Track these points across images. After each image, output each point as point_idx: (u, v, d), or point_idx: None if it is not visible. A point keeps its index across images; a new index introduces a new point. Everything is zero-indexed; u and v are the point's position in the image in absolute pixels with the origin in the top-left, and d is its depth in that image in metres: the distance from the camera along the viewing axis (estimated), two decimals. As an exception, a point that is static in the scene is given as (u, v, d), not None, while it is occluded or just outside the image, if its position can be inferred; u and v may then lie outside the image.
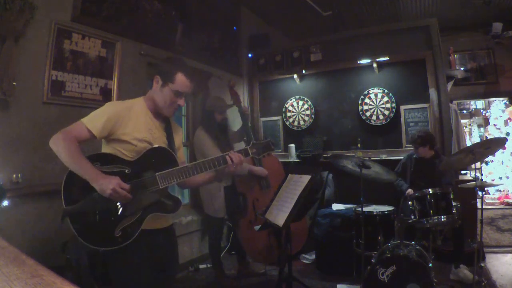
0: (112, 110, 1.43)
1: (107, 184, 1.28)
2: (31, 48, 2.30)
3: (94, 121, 1.39)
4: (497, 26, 5.36)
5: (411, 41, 4.01)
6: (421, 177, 3.07)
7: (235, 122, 3.50)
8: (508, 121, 6.34)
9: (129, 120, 1.45)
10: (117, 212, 1.35)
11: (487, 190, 6.12)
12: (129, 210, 1.36)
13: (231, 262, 3.49)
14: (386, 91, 4.08)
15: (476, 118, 7.51)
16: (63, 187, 1.32)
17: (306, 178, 2.06)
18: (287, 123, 4.70)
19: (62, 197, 1.30)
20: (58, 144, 1.33)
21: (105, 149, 1.48)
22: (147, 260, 1.44)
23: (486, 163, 6.32)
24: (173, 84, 1.50)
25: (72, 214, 1.29)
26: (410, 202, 2.61)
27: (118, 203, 1.35)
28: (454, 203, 2.50)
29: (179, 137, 1.70)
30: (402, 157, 3.42)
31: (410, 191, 2.98)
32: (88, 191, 1.31)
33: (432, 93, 3.83)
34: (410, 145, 3.78)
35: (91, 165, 1.32)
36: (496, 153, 5.89)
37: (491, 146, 2.39)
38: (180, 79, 1.51)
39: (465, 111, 7.46)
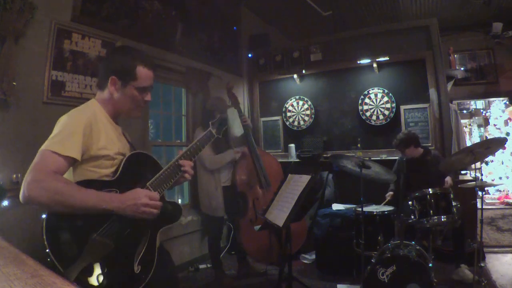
0: (82, 122, 1.16)
1: (136, 201, 1.10)
2: (31, 48, 2.30)
3: (69, 144, 1.11)
4: (497, 26, 5.36)
5: (411, 41, 4.01)
6: (415, 177, 3.08)
7: (235, 123, 3.50)
8: (508, 121, 6.34)
9: (100, 130, 1.22)
10: (129, 244, 1.13)
11: (487, 190, 6.12)
12: (139, 236, 1.17)
13: (231, 262, 3.49)
14: (386, 91, 4.08)
15: (476, 118, 7.51)
16: (50, 247, 1.00)
17: (306, 178, 2.06)
18: (287, 123, 4.70)
19: (54, 260, 0.99)
20: (42, 192, 1.01)
21: (76, 174, 1.18)
22: (156, 281, 1.29)
23: (486, 163, 6.32)
24: (136, 81, 1.27)
25: (76, 274, 0.99)
26: (410, 202, 2.61)
27: (124, 234, 1.13)
28: (454, 203, 2.50)
29: (129, 138, 1.50)
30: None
31: (389, 194, 3.15)
32: (83, 236, 1.05)
33: (432, 93, 3.83)
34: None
35: (101, 192, 1.09)
36: (496, 153, 5.89)
37: (491, 146, 2.39)
38: (142, 72, 1.27)
39: (465, 111, 7.46)
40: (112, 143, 1.25)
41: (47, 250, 1.00)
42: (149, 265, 1.15)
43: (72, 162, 1.13)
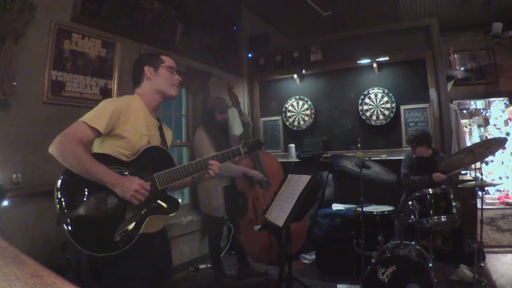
0: (113, 106, 1.39)
1: (129, 185, 1.27)
2: (31, 48, 2.31)
3: (98, 118, 1.33)
4: (497, 26, 5.36)
5: (411, 41, 4.01)
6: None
7: (235, 122, 3.51)
8: (508, 121, 6.34)
9: (129, 116, 1.41)
10: (117, 216, 1.30)
11: (487, 190, 6.12)
12: (129, 213, 1.32)
13: (231, 262, 3.49)
14: (386, 91, 4.08)
15: (476, 118, 7.50)
16: (58, 192, 1.25)
17: (306, 178, 2.06)
18: (287, 123, 4.70)
19: (56, 202, 1.24)
20: (64, 150, 1.25)
21: (100, 148, 1.41)
22: (145, 264, 1.42)
23: (486, 163, 6.32)
24: (164, 63, 1.54)
25: (68, 220, 1.23)
26: (410, 202, 2.61)
27: (117, 207, 1.30)
28: (454, 203, 2.50)
29: (169, 138, 1.69)
30: (402, 157, 3.41)
31: (438, 174, 2.91)
32: (85, 195, 1.27)
33: (432, 93, 3.83)
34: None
35: (107, 168, 1.28)
36: (496, 153, 5.89)
37: (491, 146, 2.39)
38: (165, 58, 1.56)
39: (465, 111, 7.46)
40: (137, 130, 1.42)
41: (56, 193, 1.24)
42: (128, 239, 1.29)
43: (97, 134, 1.33)
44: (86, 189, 1.28)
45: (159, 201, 1.41)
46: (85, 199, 1.27)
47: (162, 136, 1.59)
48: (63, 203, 1.25)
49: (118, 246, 1.27)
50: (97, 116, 1.34)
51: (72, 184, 1.27)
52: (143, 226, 1.34)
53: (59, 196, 1.25)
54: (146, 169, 1.40)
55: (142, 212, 1.35)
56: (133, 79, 1.58)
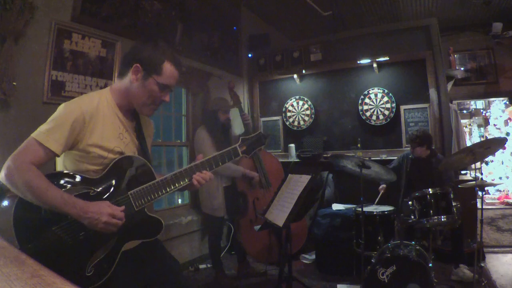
0: (74, 114, 1.14)
1: (97, 216, 1.05)
2: (31, 48, 2.30)
3: (53, 136, 1.10)
4: (497, 26, 5.36)
5: (411, 41, 4.01)
6: (418, 177, 3.07)
7: (236, 122, 3.51)
8: (508, 121, 6.34)
9: (95, 125, 1.18)
10: (86, 247, 1.11)
11: (487, 190, 6.12)
12: (101, 242, 1.12)
13: (231, 262, 3.49)
14: (386, 91, 4.08)
15: (476, 118, 7.50)
16: (14, 223, 1.08)
17: (306, 178, 2.06)
18: (287, 123, 4.70)
19: (14, 234, 1.06)
20: (12, 178, 1.06)
21: (64, 163, 1.20)
22: (136, 280, 1.27)
23: (486, 163, 6.32)
24: (160, 77, 1.21)
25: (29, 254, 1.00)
26: (410, 202, 2.61)
27: (87, 235, 1.10)
28: (454, 203, 2.50)
29: (150, 134, 1.45)
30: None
31: (382, 186, 3.11)
32: (45, 226, 1.08)
33: (432, 93, 3.83)
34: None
35: (68, 195, 1.07)
36: (496, 153, 5.89)
37: (491, 146, 2.39)
38: (169, 70, 1.23)
39: (465, 111, 7.45)
40: (106, 140, 1.20)
41: (12, 225, 1.07)
42: (103, 272, 1.12)
43: (52, 155, 1.13)
44: (47, 217, 1.08)
45: (137, 224, 1.20)
46: (46, 229, 1.08)
47: (140, 138, 1.34)
48: (21, 235, 1.06)
49: (92, 281, 1.10)
50: (53, 132, 1.11)
51: (29, 210, 1.08)
52: (119, 253, 1.16)
53: (16, 227, 1.07)
54: (119, 186, 1.18)
55: (117, 239, 1.15)
56: (120, 65, 1.29)
